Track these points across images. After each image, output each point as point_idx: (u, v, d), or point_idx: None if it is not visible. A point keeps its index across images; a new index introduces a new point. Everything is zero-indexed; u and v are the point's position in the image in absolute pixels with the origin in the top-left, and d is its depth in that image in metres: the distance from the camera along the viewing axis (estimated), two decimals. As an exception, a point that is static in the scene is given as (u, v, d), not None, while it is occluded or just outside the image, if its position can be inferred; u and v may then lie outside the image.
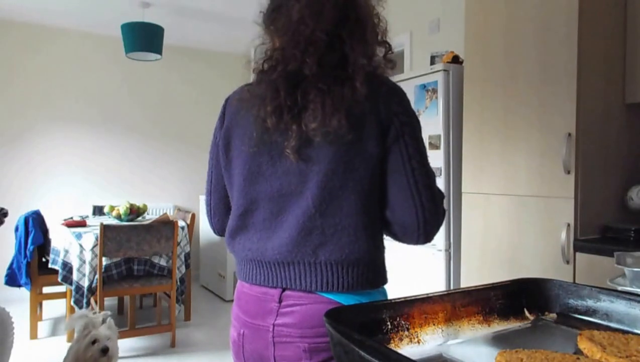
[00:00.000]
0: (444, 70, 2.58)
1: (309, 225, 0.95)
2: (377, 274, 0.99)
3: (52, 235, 3.54)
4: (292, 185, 0.96)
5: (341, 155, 0.93)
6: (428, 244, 2.62)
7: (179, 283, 3.53)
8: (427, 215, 0.97)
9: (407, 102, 1.00)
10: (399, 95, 0.99)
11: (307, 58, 0.93)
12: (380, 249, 1.00)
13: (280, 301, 0.97)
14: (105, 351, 2.07)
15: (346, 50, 0.95)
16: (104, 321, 2.20)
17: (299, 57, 0.94)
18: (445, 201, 2.37)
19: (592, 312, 0.90)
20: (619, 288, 0.96)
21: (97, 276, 3.13)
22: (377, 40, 1.02)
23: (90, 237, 3.21)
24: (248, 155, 1.00)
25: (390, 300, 0.83)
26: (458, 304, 0.88)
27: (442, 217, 1.01)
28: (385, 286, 1.03)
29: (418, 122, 1.03)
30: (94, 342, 2.07)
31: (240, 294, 1.07)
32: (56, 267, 3.31)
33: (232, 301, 4.42)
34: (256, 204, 1.01)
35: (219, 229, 1.18)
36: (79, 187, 4.84)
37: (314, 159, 0.94)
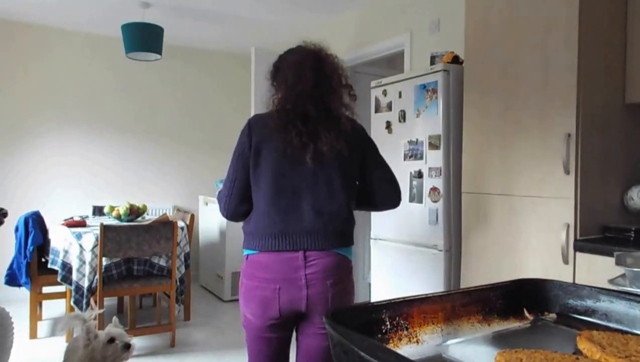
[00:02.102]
0: (444, 70, 2.58)
1: (320, 208, 1.49)
2: (352, 238, 1.59)
3: (51, 235, 3.54)
4: (306, 182, 1.49)
5: (341, 165, 1.52)
6: (429, 244, 2.62)
7: (178, 283, 3.53)
8: (399, 190, 1.68)
9: (367, 133, 1.67)
10: (365, 130, 1.66)
11: (306, 105, 1.49)
12: (353, 218, 1.59)
13: (305, 259, 1.46)
14: (128, 346, 2.06)
15: (326, 101, 1.53)
16: (92, 319, 2.19)
17: (300, 105, 1.49)
18: (445, 201, 2.37)
19: (591, 312, 0.90)
20: (619, 288, 0.96)
21: (97, 276, 3.13)
22: (342, 85, 1.59)
23: (90, 237, 3.21)
24: (275, 162, 1.49)
25: (390, 300, 0.83)
26: (458, 304, 0.88)
27: (399, 193, 1.68)
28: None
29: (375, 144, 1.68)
30: (110, 341, 2.05)
31: (263, 264, 1.49)
32: (56, 268, 3.31)
33: (230, 301, 4.42)
34: (280, 195, 1.48)
35: (232, 215, 1.60)
36: (79, 187, 4.84)
37: (324, 166, 1.50)
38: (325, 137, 1.47)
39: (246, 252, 1.56)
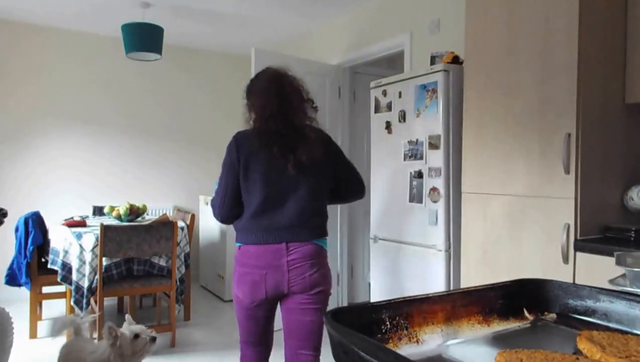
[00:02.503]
0: (444, 70, 2.58)
1: (302, 208, 1.80)
2: (326, 230, 1.91)
3: (52, 235, 3.54)
4: (290, 187, 1.80)
5: (317, 171, 1.84)
6: (428, 244, 2.62)
7: (178, 283, 3.53)
8: (362, 184, 2.02)
9: (334, 141, 1.96)
10: (330, 138, 1.95)
11: (277, 126, 1.77)
12: (326, 215, 1.92)
13: (287, 249, 1.77)
14: (154, 339, 2.25)
15: (291, 118, 1.81)
16: (85, 323, 2.27)
17: (272, 126, 1.77)
18: (445, 201, 2.37)
19: (591, 312, 0.90)
20: (619, 288, 0.96)
21: (97, 276, 3.13)
22: (304, 101, 1.86)
23: (90, 237, 3.21)
24: (263, 173, 1.78)
25: (390, 300, 0.83)
26: (458, 304, 0.88)
27: (364, 188, 2.04)
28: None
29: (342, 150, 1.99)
30: (136, 336, 2.20)
31: (253, 254, 1.79)
32: (56, 268, 3.31)
33: (231, 301, 4.42)
34: (269, 199, 1.79)
35: (225, 218, 1.89)
36: (79, 187, 4.84)
37: (303, 173, 1.80)
38: (301, 148, 1.78)
39: (238, 243, 1.88)
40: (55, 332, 2.19)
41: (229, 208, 1.85)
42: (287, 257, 1.77)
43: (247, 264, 1.81)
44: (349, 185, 1.99)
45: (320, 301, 1.82)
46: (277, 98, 1.80)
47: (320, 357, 1.91)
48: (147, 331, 2.25)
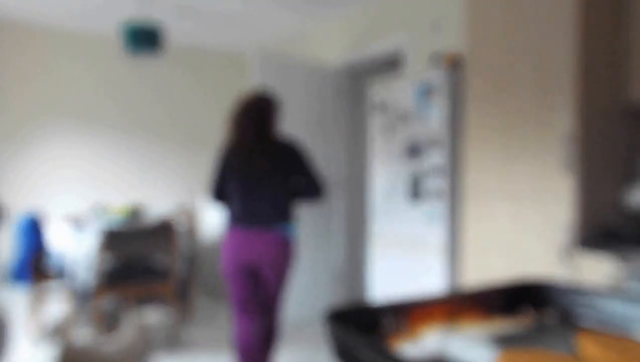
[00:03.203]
0: (444, 70, 2.58)
1: (267, 202, 2.30)
2: (290, 217, 2.37)
3: (51, 235, 3.54)
4: (257, 187, 2.31)
5: (275, 175, 2.31)
6: (428, 244, 2.62)
7: (178, 283, 3.53)
8: (318, 187, 2.37)
9: (299, 145, 2.38)
10: (292, 146, 2.36)
11: (249, 143, 2.32)
12: (291, 207, 2.38)
13: (258, 232, 2.29)
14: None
15: (261, 133, 2.33)
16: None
17: (245, 143, 2.32)
18: (445, 201, 2.35)
19: (591, 312, 0.90)
20: (618, 288, 0.96)
21: (96, 276, 3.13)
22: (271, 116, 2.37)
23: (90, 237, 3.21)
24: (239, 177, 2.33)
25: (390, 300, 0.83)
26: (458, 304, 0.88)
27: (325, 190, 2.41)
28: (294, 222, 2.41)
29: (304, 154, 2.37)
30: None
31: (234, 236, 2.34)
32: (55, 268, 3.31)
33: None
34: (244, 195, 2.32)
35: (214, 197, 2.48)
36: (79, 187, 4.84)
37: (267, 177, 2.30)
38: (264, 159, 2.31)
39: (227, 225, 2.41)
40: (57, 338, 2.20)
41: (216, 192, 2.49)
42: (258, 238, 2.33)
43: (230, 240, 2.42)
44: (303, 187, 2.40)
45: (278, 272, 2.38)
46: (250, 121, 2.35)
47: (320, 357, 2.03)
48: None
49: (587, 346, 0.71)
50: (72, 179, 4.81)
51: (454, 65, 2.62)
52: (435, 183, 2.60)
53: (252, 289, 2.41)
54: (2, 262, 4.22)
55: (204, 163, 5.44)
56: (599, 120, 2.01)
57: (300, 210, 3.88)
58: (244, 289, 2.41)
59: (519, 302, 0.95)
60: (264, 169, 2.30)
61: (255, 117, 2.34)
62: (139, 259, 3.37)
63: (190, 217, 3.92)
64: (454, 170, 2.57)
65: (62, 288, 3.60)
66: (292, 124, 3.87)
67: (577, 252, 1.92)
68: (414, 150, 2.74)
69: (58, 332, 2.23)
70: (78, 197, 4.81)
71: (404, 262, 2.80)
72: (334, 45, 4.42)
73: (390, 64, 4.56)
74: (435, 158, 2.61)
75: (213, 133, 5.45)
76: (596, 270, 1.83)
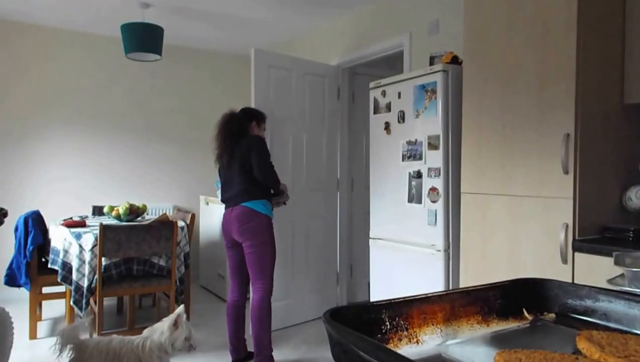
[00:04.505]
0: (443, 70, 2.58)
1: (239, 186, 2.90)
2: (257, 196, 2.90)
3: (51, 235, 3.54)
4: (232, 175, 2.93)
5: (242, 167, 2.88)
6: (428, 245, 2.63)
7: (178, 283, 3.53)
8: (267, 176, 2.91)
9: (256, 142, 2.92)
10: (254, 142, 2.91)
11: (226, 151, 2.96)
12: (258, 188, 2.91)
13: (233, 210, 2.91)
14: (193, 348, 2.41)
15: (236, 135, 2.96)
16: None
17: (222, 151, 2.98)
18: (444, 201, 2.36)
19: (590, 312, 0.91)
20: (618, 288, 0.96)
21: (96, 276, 3.13)
22: (247, 121, 3.07)
23: (89, 237, 3.21)
24: (222, 169, 3.03)
25: (390, 300, 0.83)
26: (457, 304, 0.88)
27: (273, 179, 2.96)
28: (265, 199, 2.94)
29: (260, 148, 2.91)
30: (186, 339, 2.36)
31: (223, 215, 3.00)
32: (55, 268, 3.31)
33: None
34: (225, 182, 3.01)
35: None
36: (79, 187, 4.84)
37: (238, 168, 2.90)
38: (235, 156, 2.90)
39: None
40: (62, 346, 2.18)
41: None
42: (234, 214, 2.90)
43: (223, 218, 3.04)
44: (257, 176, 2.88)
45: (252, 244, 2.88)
46: (227, 135, 2.95)
47: (320, 357, 2.04)
48: (195, 339, 2.42)
49: (586, 346, 0.72)
50: (72, 179, 4.81)
51: (453, 66, 2.62)
52: (435, 183, 2.60)
53: (238, 259, 3.00)
54: (2, 263, 4.22)
55: (204, 163, 5.43)
56: (597, 120, 2.01)
57: (301, 210, 3.89)
58: (230, 260, 3.04)
59: (518, 301, 0.95)
60: (229, 163, 2.93)
61: (226, 129, 2.97)
62: (138, 259, 3.37)
63: (190, 217, 3.92)
64: (453, 170, 2.57)
65: (62, 288, 3.60)
66: (292, 124, 3.87)
67: (575, 252, 1.92)
68: (413, 151, 2.74)
69: (60, 332, 2.21)
70: (77, 197, 4.81)
71: (403, 263, 2.80)
72: (333, 46, 4.42)
73: (390, 65, 4.56)
74: (435, 158, 2.61)
75: (213, 133, 5.44)
76: (595, 270, 1.83)
